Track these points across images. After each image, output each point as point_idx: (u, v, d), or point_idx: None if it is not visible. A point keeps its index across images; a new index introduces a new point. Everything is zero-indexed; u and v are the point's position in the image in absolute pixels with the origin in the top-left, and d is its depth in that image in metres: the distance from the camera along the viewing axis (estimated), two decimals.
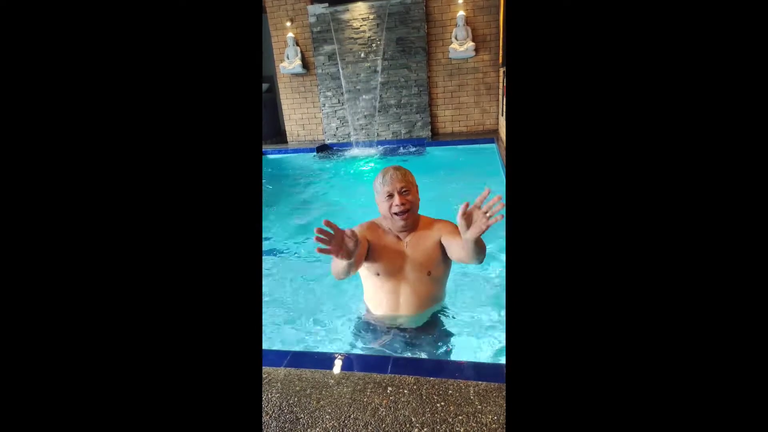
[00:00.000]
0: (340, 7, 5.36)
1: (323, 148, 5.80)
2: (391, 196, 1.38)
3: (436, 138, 5.60)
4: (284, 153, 5.73)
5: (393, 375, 1.05)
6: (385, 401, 0.96)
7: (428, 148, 5.32)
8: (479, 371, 1.06)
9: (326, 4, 5.38)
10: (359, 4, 5.29)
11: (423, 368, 1.07)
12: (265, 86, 7.01)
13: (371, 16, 5.33)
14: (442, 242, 1.40)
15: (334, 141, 5.99)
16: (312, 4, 5.48)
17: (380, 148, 5.64)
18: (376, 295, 1.49)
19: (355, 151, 5.66)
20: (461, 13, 5.11)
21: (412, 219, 1.41)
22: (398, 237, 1.44)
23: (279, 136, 6.81)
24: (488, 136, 5.17)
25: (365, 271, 1.48)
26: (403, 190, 1.38)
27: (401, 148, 5.51)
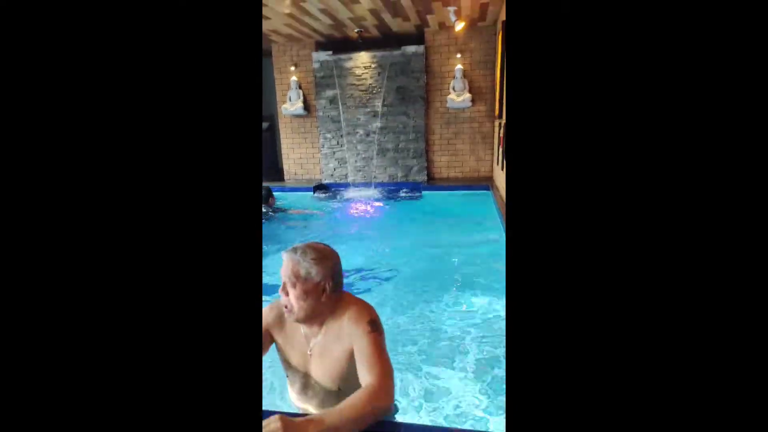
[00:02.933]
0: (343, 56, 5.61)
1: (320, 187, 5.85)
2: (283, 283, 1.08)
3: (432, 182, 5.72)
4: (282, 191, 5.75)
5: None
6: None
7: (424, 192, 5.42)
8: None
9: (330, 52, 5.62)
10: (362, 53, 5.55)
11: None
12: (264, 125, 7.15)
13: (373, 65, 5.58)
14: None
15: (332, 181, 6.06)
16: (317, 51, 5.73)
17: (377, 189, 5.72)
18: (287, 380, 1.22)
19: (352, 192, 5.72)
20: (459, 66, 5.40)
21: (302, 318, 1.08)
22: (305, 335, 1.14)
23: (277, 173, 6.87)
24: (483, 182, 5.31)
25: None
26: (292, 281, 1.06)
27: (399, 191, 5.60)
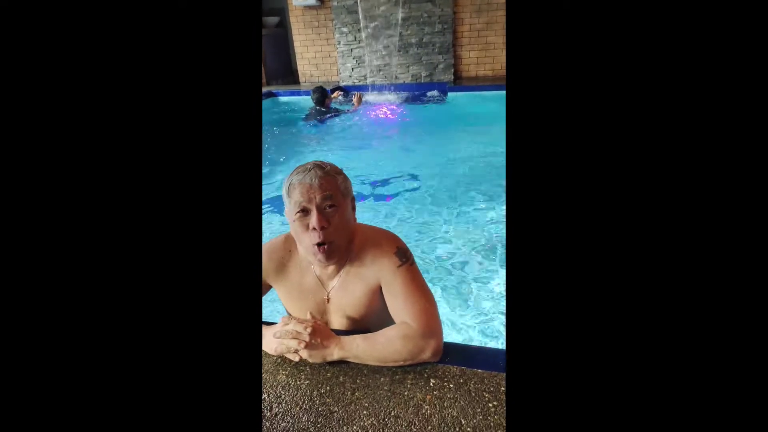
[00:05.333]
0: None
1: (337, 90, 5.46)
2: (305, 212, 0.87)
3: (459, 82, 5.22)
4: (296, 95, 5.40)
5: (435, 364, 0.93)
6: (428, 396, 0.85)
7: (450, 94, 4.97)
8: None
9: None
10: None
11: (470, 357, 0.95)
12: (275, 20, 6.51)
13: None
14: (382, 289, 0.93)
15: (350, 83, 5.63)
16: None
17: (398, 94, 5.29)
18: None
19: (371, 96, 5.32)
20: None
21: (338, 254, 0.90)
22: (319, 278, 0.98)
23: (290, 75, 6.43)
24: None
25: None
26: (327, 203, 0.86)
27: (422, 94, 5.14)
